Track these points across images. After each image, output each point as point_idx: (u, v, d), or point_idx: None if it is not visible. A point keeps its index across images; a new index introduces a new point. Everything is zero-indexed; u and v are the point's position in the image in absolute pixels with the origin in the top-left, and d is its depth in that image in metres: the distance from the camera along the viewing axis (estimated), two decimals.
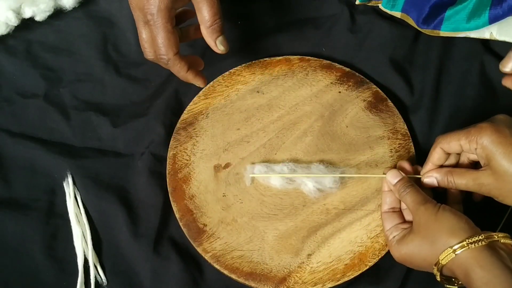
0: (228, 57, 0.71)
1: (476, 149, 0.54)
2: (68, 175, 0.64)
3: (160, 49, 0.58)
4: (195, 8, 0.58)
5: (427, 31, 0.69)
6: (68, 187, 0.64)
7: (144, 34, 0.59)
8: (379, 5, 0.73)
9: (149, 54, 0.60)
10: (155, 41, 0.58)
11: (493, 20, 0.63)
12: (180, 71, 0.60)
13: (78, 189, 0.64)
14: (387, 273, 0.60)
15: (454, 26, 0.66)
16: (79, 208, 0.63)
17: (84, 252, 0.61)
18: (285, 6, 0.76)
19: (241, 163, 0.65)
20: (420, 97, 0.70)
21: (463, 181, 0.56)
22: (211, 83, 0.70)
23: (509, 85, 0.60)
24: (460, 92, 0.69)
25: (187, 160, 0.65)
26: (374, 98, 0.69)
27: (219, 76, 0.70)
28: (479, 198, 0.60)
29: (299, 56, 0.72)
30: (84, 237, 0.62)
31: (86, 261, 0.61)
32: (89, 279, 0.60)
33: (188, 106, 0.69)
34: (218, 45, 0.59)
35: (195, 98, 0.69)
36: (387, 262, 0.60)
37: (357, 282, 0.59)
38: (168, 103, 0.69)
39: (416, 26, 0.70)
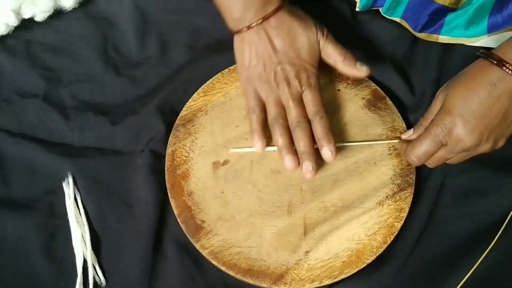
0: (228, 55, 0.71)
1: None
2: (68, 175, 0.64)
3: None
4: (325, 58, 0.66)
5: (423, 35, 0.69)
6: (68, 187, 0.64)
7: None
8: (379, 9, 0.73)
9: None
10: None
11: (491, 28, 0.63)
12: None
13: (77, 188, 0.64)
14: (384, 270, 0.60)
15: (453, 32, 0.66)
16: (78, 208, 0.63)
17: (83, 252, 0.61)
18: None
19: (240, 160, 0.65)
20: (419, 97, 0.70)
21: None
22: (210, 80, 0.70)
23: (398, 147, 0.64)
24: None
25: (186, 156, 0.65)
26: (373, 96, 0.69)
27: (219, 73, 0.70)
28: None
29: None
30: (83, 238, 0.61)
31: (85, 262, 0.60)
32: (88, 280, 0.60)
33: (187, 103, 0.68)
34: (359, 69, 0.64)
35: (194, 95, 0.69)
36: (384, 260, 0.60)
37: (354, 279, 0.59)
38: (167, 100, 0.69)
39: (413, 32, 0.70)
